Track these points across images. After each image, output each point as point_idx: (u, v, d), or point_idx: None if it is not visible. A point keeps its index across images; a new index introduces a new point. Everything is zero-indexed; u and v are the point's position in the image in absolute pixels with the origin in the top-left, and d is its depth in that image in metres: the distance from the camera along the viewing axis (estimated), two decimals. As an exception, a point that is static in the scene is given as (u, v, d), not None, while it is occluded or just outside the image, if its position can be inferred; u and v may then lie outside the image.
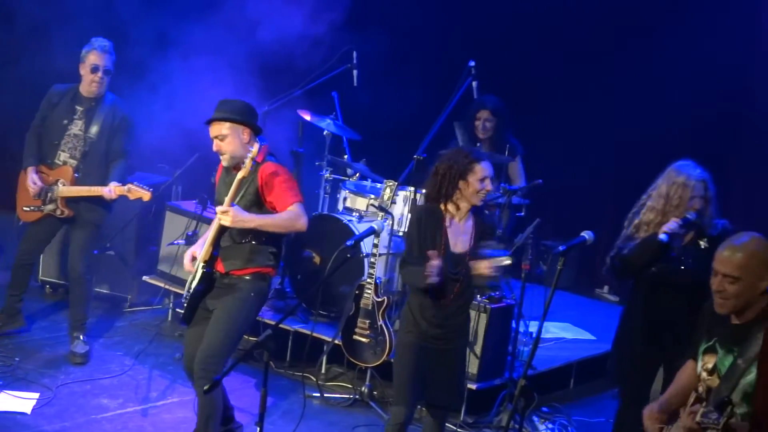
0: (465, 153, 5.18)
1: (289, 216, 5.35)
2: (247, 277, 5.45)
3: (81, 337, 6.87)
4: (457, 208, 5.16)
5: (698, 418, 3.85)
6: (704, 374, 4.19)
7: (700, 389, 4.19)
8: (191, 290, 5.48)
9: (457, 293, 5.14)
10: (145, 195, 6.57)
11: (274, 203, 5.38)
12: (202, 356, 5.31)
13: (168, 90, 7.43)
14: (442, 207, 5.17)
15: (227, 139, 5.37)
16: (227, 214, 5.24)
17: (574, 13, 9.41)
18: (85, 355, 6.82)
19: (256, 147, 5.25)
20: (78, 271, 6.86)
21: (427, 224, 5.14)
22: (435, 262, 4.93)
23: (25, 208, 6.84)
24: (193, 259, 5.53)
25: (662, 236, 4.98)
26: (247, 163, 5.23)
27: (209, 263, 5.45)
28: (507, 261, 5.09)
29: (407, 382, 5.20)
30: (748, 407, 3.92)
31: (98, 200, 6.73)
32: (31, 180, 6.73)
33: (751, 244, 4.11)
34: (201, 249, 5.53)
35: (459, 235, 5.16)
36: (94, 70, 6.68)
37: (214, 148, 5.43)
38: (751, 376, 3.97)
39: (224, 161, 5.46)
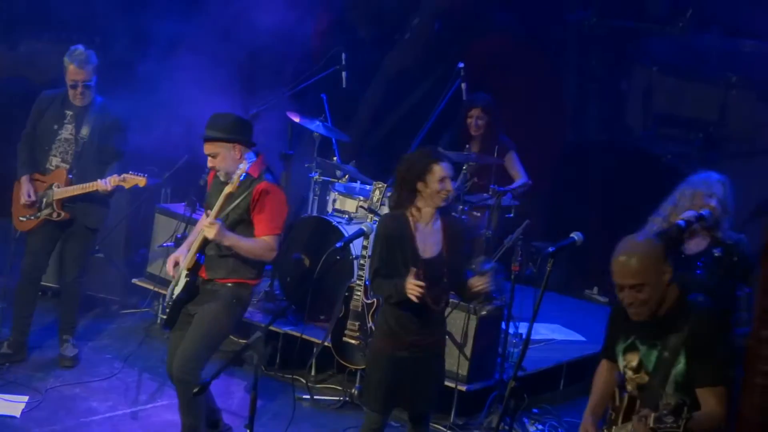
0: (424, 154, 5.05)
1: (261, 246, 5.43)
2: (229, 285, 5.49)
3: (70, 340, 6.84)
4: (421, 211, 4.99)
5: (652, 424, 3.80)
6: (630, 373, 4.18)
7: (629, 388, 4.18)
8: (174, 297, 5.51)
9: (434, 299, 4.98)
10: (141, 181, 6.47)
11: (254, 224, 5.44)
12: (180, 361, 5.37)
13: (157, 92, 7.40)
14: (407, 212, 5.00)
15: (219, 157, 5.43)
16: (213, 227, 5.26)
17: (564, 15, 9.43)
18: (75, 358, 6.80)
19: (244, 165, 5.30)
20: (72, 275, 6.83)
21: (393, 233, 4.98)
22: (418, 282, 4.81)
23: (21, 218, 6.74)
24: (176, 264, 5.54)
25: (680, 221, 4.87)
26: (234, 179, 5.29)
27: (193, 271, 5.47)
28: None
29: (382, 391, 5.09)
30: (684, 397, 3.94)
31: (94, 204, 6.69)
32: (26, 193, 6.62)
33: (637, 247, 4.07)
34: (184, 254, 5.54)
35: (427, 239, 5.00)
36: (73, 86, 6.61)
37: (209, 165, 5.51)
38: (680, 366, 4.00)
39: (220, 177, 5.51)
